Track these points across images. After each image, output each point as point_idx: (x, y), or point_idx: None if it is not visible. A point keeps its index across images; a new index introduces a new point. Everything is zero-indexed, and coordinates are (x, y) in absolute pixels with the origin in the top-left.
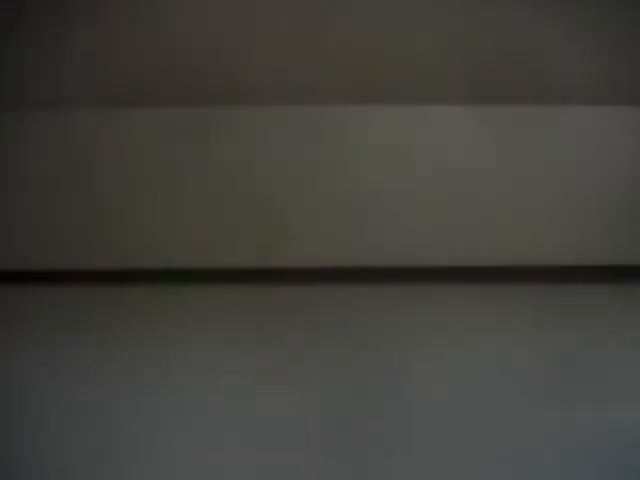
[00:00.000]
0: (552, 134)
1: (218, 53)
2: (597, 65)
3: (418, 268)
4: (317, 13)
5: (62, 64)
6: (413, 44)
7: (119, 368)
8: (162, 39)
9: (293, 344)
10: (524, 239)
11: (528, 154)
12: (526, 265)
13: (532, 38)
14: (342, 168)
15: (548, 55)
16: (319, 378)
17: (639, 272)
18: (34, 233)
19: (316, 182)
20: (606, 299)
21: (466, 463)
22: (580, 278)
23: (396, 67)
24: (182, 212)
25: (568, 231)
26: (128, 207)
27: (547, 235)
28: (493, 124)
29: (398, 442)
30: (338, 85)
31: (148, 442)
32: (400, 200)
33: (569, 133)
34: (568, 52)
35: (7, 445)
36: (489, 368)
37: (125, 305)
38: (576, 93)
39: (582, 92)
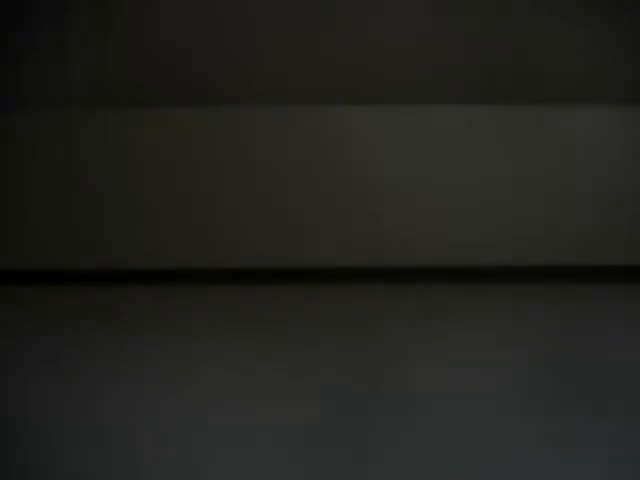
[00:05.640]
0: (552, 134)
1: (218, 53)
2: (597, 65)
3: (418, 268)
4: (317, 13)
5: (62, 64)
6: (413, 44)
7: (119, 368)
8: (162, 39)
9: (293, 344)
10: (524, 239)
11: (528, 154)
12: (526, 265)
13: (532, 38)
14: (342, 168)
15: (548, 55)
16: (319, 378)
17: (639, 272)
18: (34, 233)
19: (316, 182)
20: (606, 299)
21: (466, 463)
22: (580, 278)
23: (396, 67)
24: (182, 212)
25: (568, 231)
26: (128, 207)
27: (547, 235)
28: (493, 124)
29: (398, 442)
30: (338, 85)
31: (147, 442)
32: (400, 200)
33: (569, 133)
34: (568, 52)
35: (7, 445)
36: (489, 368)
37: (125, 305)
38: (576, 93)
39: (582, 92)
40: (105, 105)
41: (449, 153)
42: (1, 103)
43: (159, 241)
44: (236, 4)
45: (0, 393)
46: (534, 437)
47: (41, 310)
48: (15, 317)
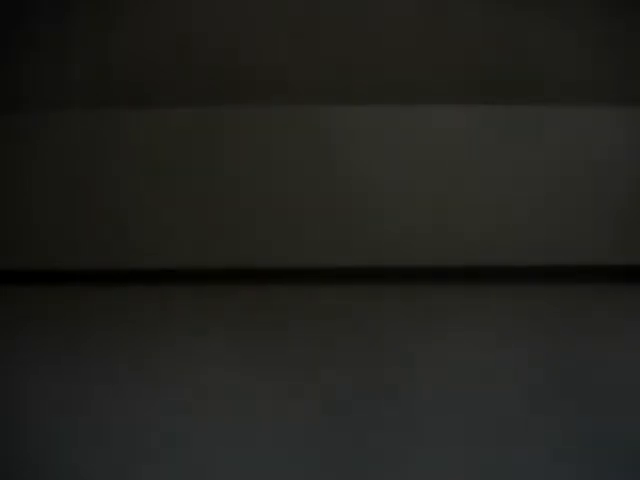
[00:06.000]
0: (552, 134)
1: (218, 53)
2: (597, 65)
3: (418, 268)
4: (317, 13)
5: (62, 64)
6: (413, 44)
7: (119, 368)
8: (162, 39)
9: (293, 344)
10: (524, 239)
11: (528, 154)
12: (526, 265)
13: (532, 38)
14: (342, 168)
15: (548, 55)
16: (318, 378)
17: (639, 272)
18: (34, 233)
19: (316, 182)
20: (606, 299)
21: (466, 463)
22: (581, 278)
23: (396, 67)
24: (182, 212)
25: (568, 231)
26: (128, 207)
27: (547, 235)
28: (493, 124)
29: (398, 442)
30: (338, 85)
31: (147, 442)
32: (400, 200)
33: (569, 133)
34: (568, 52)
35: (7, 445)
36: (489, 368)
37: (125, 305)
38: (576, 93)
39: (582, 92)
40: (105, 105)
41: (449, 153)
42: (1, 103)
43: (159, 241)
44: (236, 4)
45: (0, 393)
46: (534, 437)
47: (41, 310)
48: (15, 317)
